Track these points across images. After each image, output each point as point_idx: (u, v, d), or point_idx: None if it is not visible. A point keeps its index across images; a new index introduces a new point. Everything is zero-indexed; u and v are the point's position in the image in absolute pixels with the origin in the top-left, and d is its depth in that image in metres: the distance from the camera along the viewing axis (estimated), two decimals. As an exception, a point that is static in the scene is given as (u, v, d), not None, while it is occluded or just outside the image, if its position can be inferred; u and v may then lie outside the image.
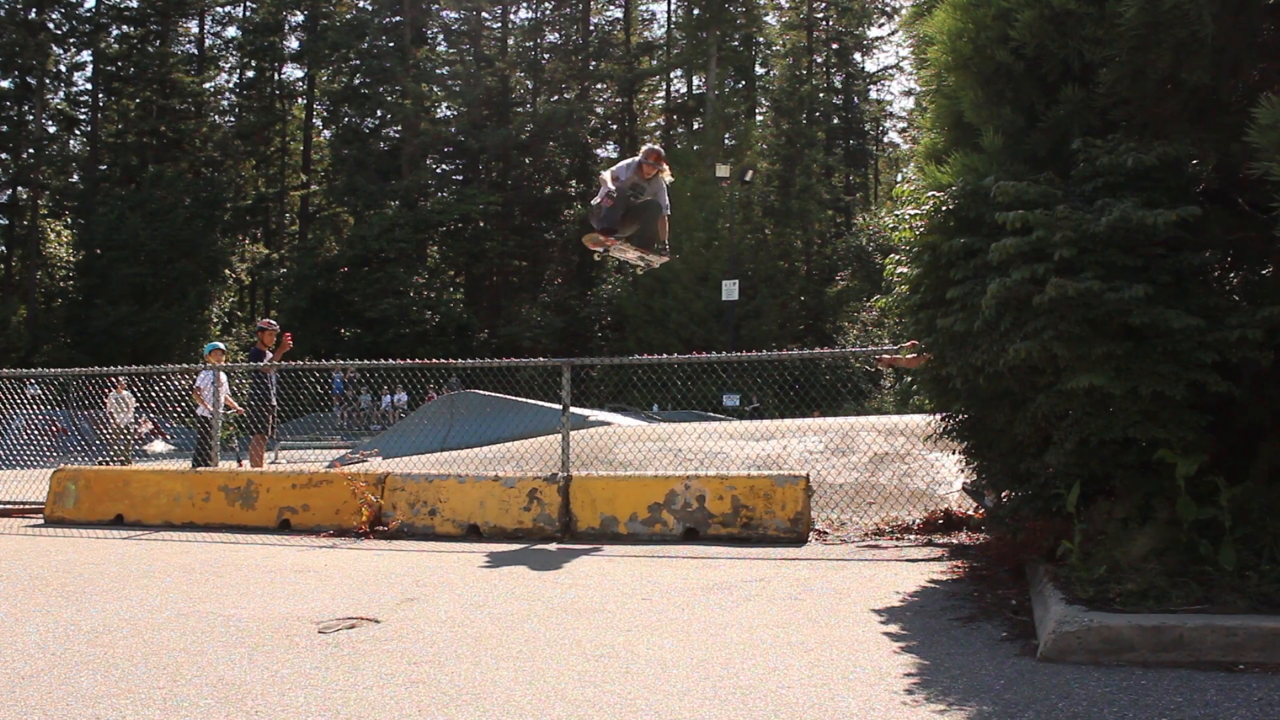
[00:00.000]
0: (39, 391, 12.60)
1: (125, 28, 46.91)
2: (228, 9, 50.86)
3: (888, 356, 7.46)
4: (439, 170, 51.76)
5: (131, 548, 7.21)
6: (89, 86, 46.91)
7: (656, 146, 8.33)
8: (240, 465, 11.93)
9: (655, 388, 13.32)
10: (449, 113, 50.84)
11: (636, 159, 8.21)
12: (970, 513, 6.79)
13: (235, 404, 11.81)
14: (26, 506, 9.58)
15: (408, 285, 42.22)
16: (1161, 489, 4.36)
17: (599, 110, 52.21)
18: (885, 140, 57.11)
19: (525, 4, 53.30)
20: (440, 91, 49.80)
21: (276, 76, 51.43)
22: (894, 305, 5.41)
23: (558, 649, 3.94)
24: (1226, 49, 4.12)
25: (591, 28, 52.86)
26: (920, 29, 5.60)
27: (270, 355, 11.42)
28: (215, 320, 42.66)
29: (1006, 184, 4.35)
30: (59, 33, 44.43)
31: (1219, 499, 4.11)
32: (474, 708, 3.20)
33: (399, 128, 47.99)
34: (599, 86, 52.41)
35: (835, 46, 53.16)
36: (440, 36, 51.57)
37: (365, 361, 16.16)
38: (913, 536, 6.63)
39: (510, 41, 52.99)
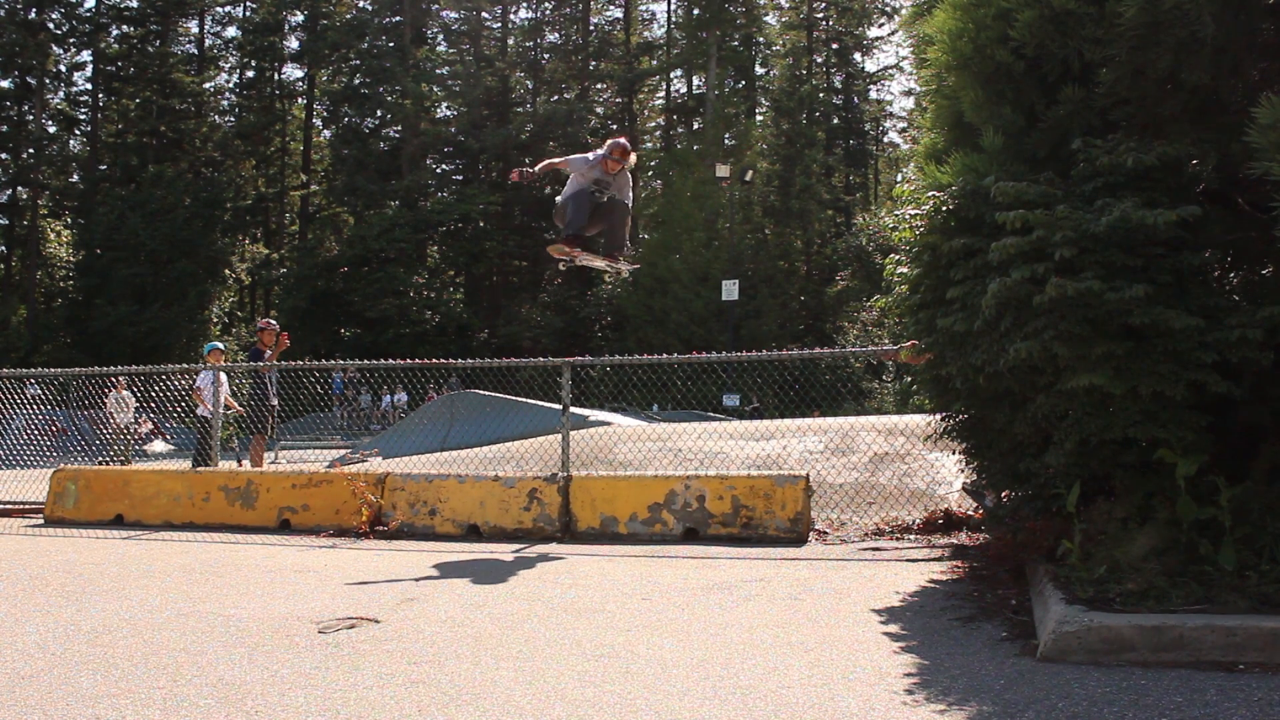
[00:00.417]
0: (39, 391, 12.61)
1: (125, 28, 46.92)
2: (228, 9, 50.91)
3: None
4: (439, 170, 51.78)
5: (131, 548, 7.21)
6: (89, 86, 46.94)
7: (623, 140, 7.36)
8: (240, 465, 11.93)
9: (655, 388, 13.31)
10: (449, 113, 50.88)
11: (600, 152, 7.28)
12: (970, 513, 6.78)
13: (235, 404, 11.81)
14: (26, 506, 9.58)
15: (408, 285, 42.22)
16: (1161, 489, 4.36)
17: (599, 110, 52.19)
18: (885, 140, 57.16)
19: (525, 4, 53.37)
20: (440, 91, 49.83)
21: (276, 76, 51.44)
22: (894, 305, 5.41)
23: (558, 649, 3.94)
24: (1226, 49, 4.12)
25: (591, 28, 52.89)
26: (920, 29, 5.60)
27: (269, 355, 11.43)
28: (215, 320, 42.68)
29: (1006, 184, 4.35)
30: (59, 33, 44.43)
31: (1219, 499, 4.11)
32: (474, 708, 3.20)
33: (399, 128, 47.99)
34: (599, 86, 52.44)
35: (835, 46, 53.19)
36: (440, 36, 51.62)
37: (365, 361, 16.17)
38: (913, 536, 6.63)
39: (510, 41, 53.02)
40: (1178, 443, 4.22)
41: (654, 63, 51.77)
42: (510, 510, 7.42)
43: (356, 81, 47.88)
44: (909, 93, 51.74)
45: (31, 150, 43.37)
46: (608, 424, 13.12)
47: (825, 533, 6.91)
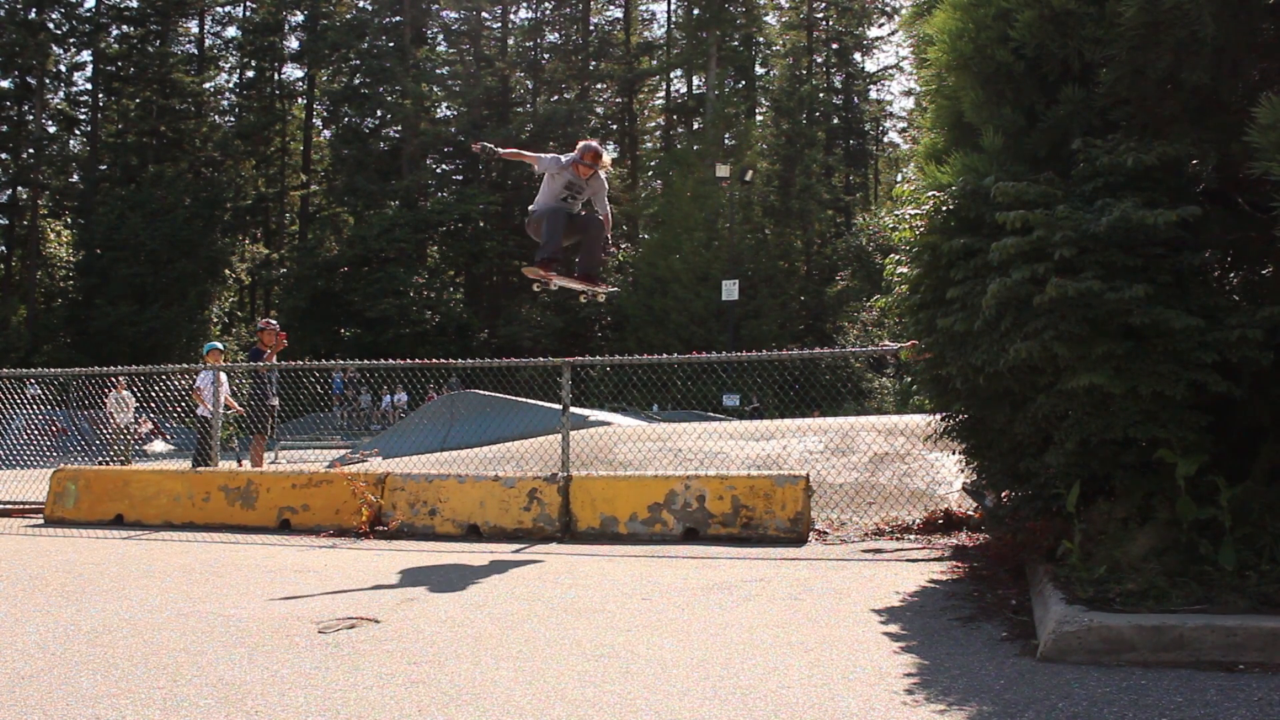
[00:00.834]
0: (39, 391, 12.61)
1: (125, 28, 46.88)
2: (228, 9, 50.85)
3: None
4: (439, 170, 51.72)
5: (131, 548, 7.21)
6: (89, 86, 46.88)
7: (594, 144, 7.09)
8: (240, 465, 11.93)
9: (655, 388, 13.33)
10: (449, 113, 50.81)
11: (573, 155, 7.04)
12: (970, 513, 6.78)
13: (235, 404, 11.81)
14: (26, 506, 9.58)
15: (408, 285, 42.18)
16: (1161, 489, 4.36)
17: (599, 110, 52.19)
18: (885, 140, 57.16)
19: (525, 4, 53.32)
20: (440, 91, 49.79)
21: (276, 76, 51.39)
22: (894, 305, 5.42)
23: (558, 649, 3.94)
24: (1226, 49, 4.12)
25: (591, 28, 52.87)
26: (920, 29, 5.60)
27: (268, 354, 11.43)
28: (215, 320, 42.66)
29: (1006, 184, 4.35)
30: (59, 33, 44.38)
31: (1219, 499, 4.11)
32: (474, 708, 3.20)
33: (399, 128, 47.96)
34: (599, 86, 52.42)
35: (835, 46, 53.18)
36: (440, 36, 51.56)
37: (365, 361, 16.16)
38: (913, 536, 6.63)
39: (510, 41, 52.97)
40: (1178, 443, 4.22)
41: (654, 63, 51.76)
42: (510, 510, 7.42)
43: (356, 81, 47.85)
44: (909, 93, 51.83)
45: (31, 150, 43.34)
46: (608, 424, 13.12)
47: (825, 533, 6.91)
